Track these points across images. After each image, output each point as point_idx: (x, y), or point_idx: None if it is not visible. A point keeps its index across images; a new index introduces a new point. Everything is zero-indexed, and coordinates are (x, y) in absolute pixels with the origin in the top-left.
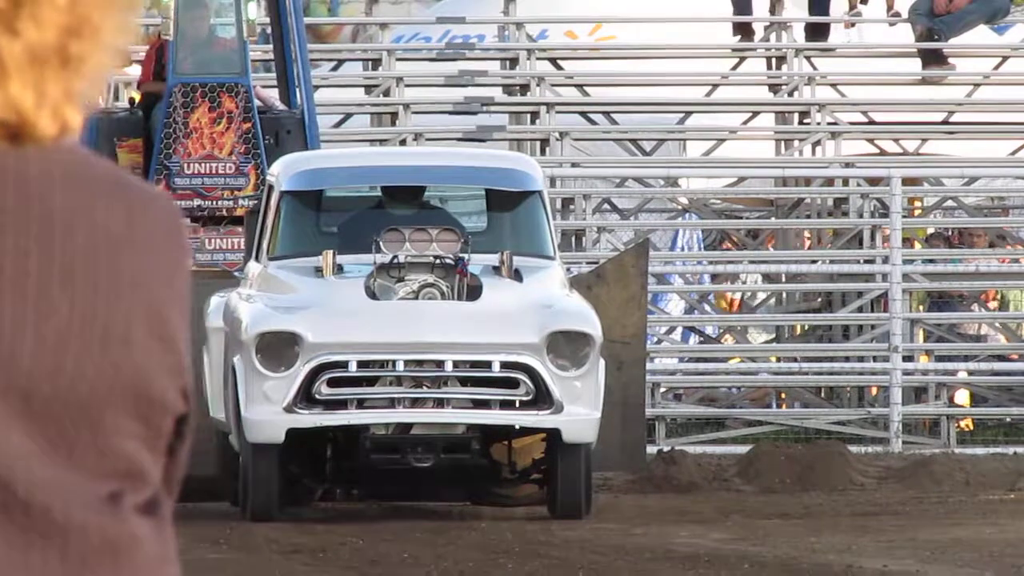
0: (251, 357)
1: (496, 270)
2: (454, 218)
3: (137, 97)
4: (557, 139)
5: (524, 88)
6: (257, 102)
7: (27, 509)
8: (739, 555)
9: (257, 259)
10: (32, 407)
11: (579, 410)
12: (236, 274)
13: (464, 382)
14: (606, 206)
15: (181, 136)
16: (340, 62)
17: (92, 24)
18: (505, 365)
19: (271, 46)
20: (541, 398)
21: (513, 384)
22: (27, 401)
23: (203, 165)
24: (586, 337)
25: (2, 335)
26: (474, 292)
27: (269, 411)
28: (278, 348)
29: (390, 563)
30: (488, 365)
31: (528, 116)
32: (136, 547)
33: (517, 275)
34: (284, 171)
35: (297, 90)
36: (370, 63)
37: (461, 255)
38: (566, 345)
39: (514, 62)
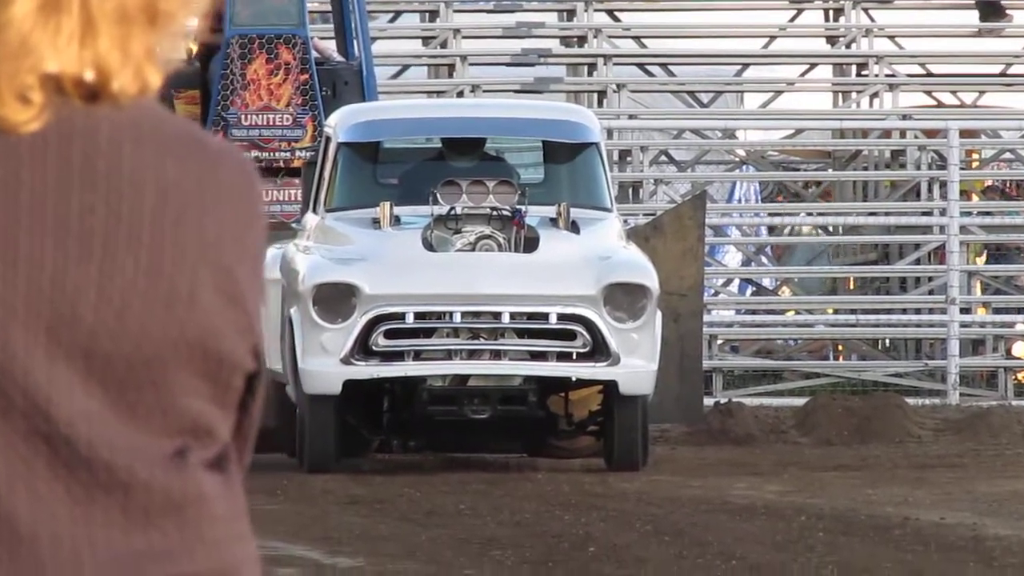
0: (308, 308)
1: (553, 222)
2: (511, 169)
3: (194, 48)
4: (614, 91)
5: (581, 40)
6: (315, 53)
7: (90, 466)
8: (796, 507)
9: (314, 210)
10: (95, 366)
11: (636, 362)
12: (293, 225)
13: (521, 334)
14: (663, 158)
15: (238, 87)
16: (397, 13)
17: None
18: (562, 317)
19: None
20: (598, 350)
21: (570, 336)
22: (89, 360)
23: (260, 116)
24: (643, 289)
25: (65, 293)
26: (531, 244)
27: (326, 362)
28: (335, 299)
29: (447, 513)
30: (545, 317)
31: (585, 68)
32: (202, 503)
33: (574, 227)
34: (341, 122)
35: (355, 41)
36: (427, 14)
37: (518, 207)
38: (623, 297)
39: (571, 13)
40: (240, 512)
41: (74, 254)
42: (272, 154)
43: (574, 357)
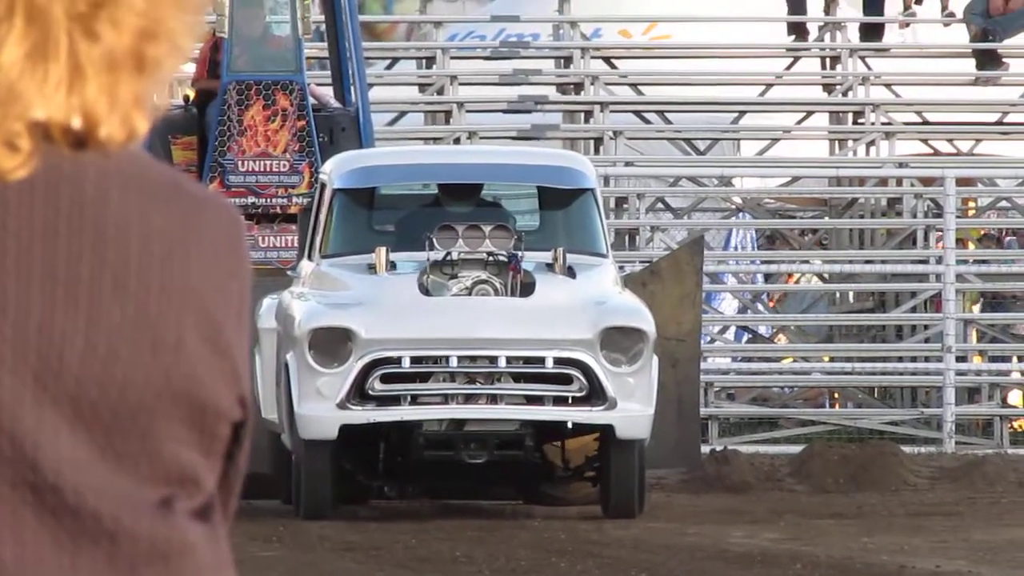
0: (304, 353)
1: (549, 267)
2: (507, 215)
3: (192, 94)
4: (611, 138)
5: (578, 87)
6: (312, 100)
7: (76, 514)
8: (792, 555)
9: (310, 257)
10: (81, 413)
11: (633, 406)
12: (289, 272)
13: (517, 378)
14: (660, 205)
15: (235, 134)
16: (394, 60)
17: (166, 27)
18: (559, 361)
19: (326, 44)
20: (595, 394)
21: (566, 380)
22: (76, 407)
23: (257, 163)
24: (640, 333)
25: (52, 340)
26: (527, 288)
27: (322, 407)
28: (331, 344)
29: (442, 561)
30: (541, 361)
31: (582, 115)
32: (188, 553)
33: (570, 272)
34: (337, 169)
35: (352, 88)
36: (424, 61)
37: (514, 252)
38: (620, 341)
39: (568, 61)
40: (225, 561)
41: (61, 301)
42: (269, 200)
43: (570, 401)
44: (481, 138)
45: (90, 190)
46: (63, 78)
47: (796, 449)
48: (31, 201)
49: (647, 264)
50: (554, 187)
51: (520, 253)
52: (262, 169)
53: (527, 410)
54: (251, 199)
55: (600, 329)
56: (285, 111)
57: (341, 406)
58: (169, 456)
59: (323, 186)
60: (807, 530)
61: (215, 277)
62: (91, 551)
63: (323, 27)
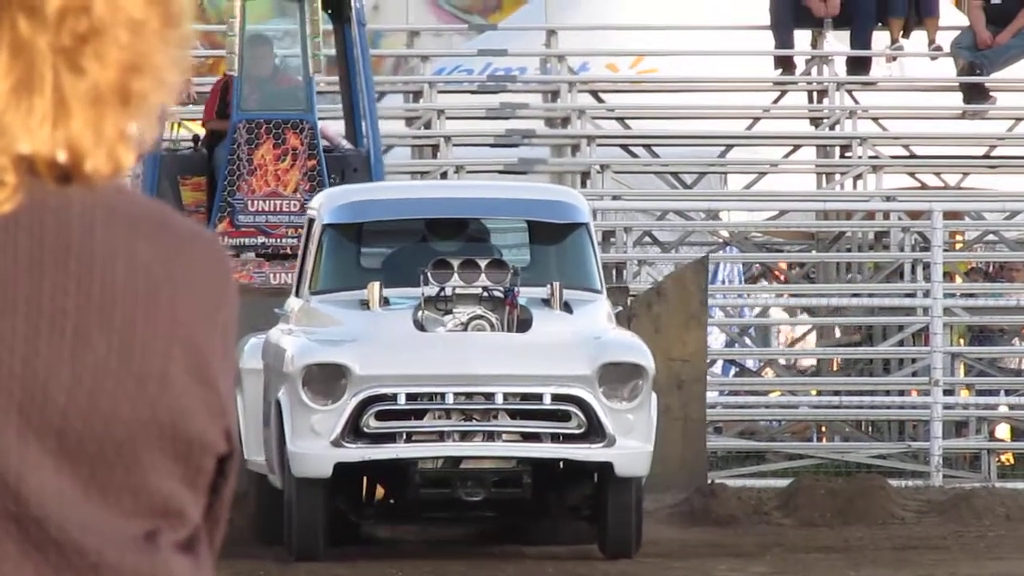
0: (297, 390)
1: (546, 302)
2: (499, 250)
3: (202, 134)
4: (598, 172)
5: (565, 121)
6: (324, 141)
7: (60, 547)
8: None
9: (298, 294)
10: (66, 446)
11: (632, 443)
12: (276, 311)
13: (514, 415)
14: (647, 239)
15: (245, 173)
16: (381, 94)
17: (152, 61)
18: (556, 398)
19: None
20: (593, 431)
21: (564, 417)
22: (61, 440)
23: (267, 202)
24: (638, 369)
25: (37, 374)
26: (524, 324)
27: (316, 445)
28: (325, 380)
29: None
30: (539, 398)
31: (569, 149)
32: None
33: (567, 307)
34: (326, 204)
35: (363, 124)
36: (411, 95)
37: (511, 287)
38: (618, 377)
39: (555, 95)
40: None
41: (46, 334)
42: (279, 240)
43: (569, 438)
44: (468, 172)
45: (75, 224)
46: (48, 112)
47: (783, 483)
48: (16, 235)
49: (634, 297)
50: (548, 222)
51: (516, 288)
52: (272, 209)
53: (525, 447)
54: (261, 239)
55: (599, 365)
56: (296, 150)
57: (335, 444)
58: (154, 489)
59: (311, 221)
60: (794, 564)
61: (201, 310)
62: None
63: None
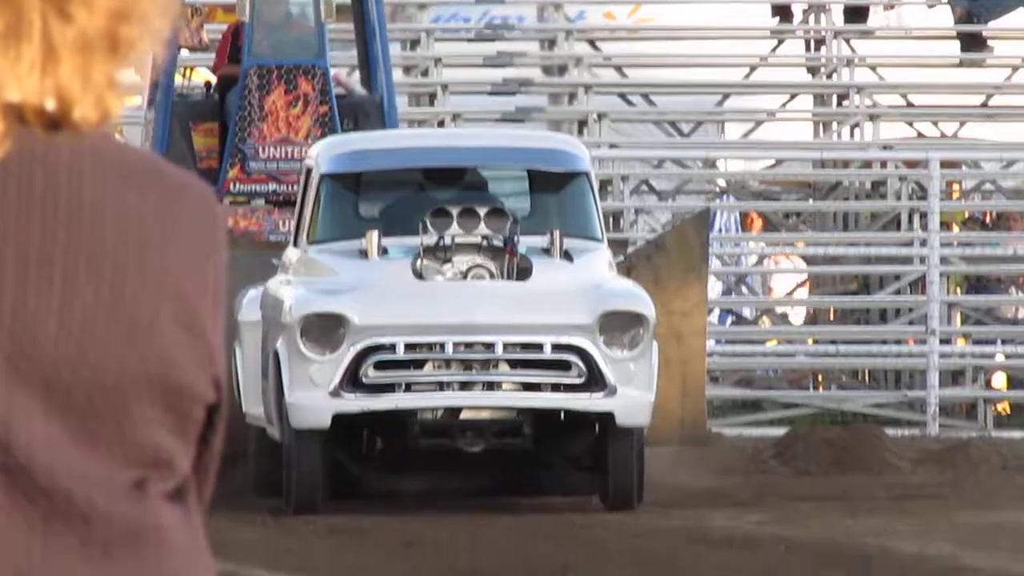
0: (295, 340)
1: (546, 251)
2: (498, 198)
3: (214, 80)
4: (595, 120)
5: (562, 69)
6: (338, 87)
7: (49, 496)
8: (775, 538)
9: (296, 244)
10: (54, 395)
11: (633, 392)
12: (274, 261)
13: (514, 365)
14: (644, 187)
15: (256, 119)
16: None
17: (140, 8)
18: (556, 347)
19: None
20: (594, 381)
21: (565, 367)
22: (49, 389)
23: (278, 149)
24: (639, 317)
25: (25, 323)
26: (524, 273)
27: (314, 396)
28: (324, 331)
29: (425, 544)
30: (539, 347)
31: (566, 97)
32: (161, 534)
33: (567, 256)
34: (324, 153)
35: (377, 73)
36: (409, 43)
37: (510, 235)
38: (619, 326)
39: (552, 43)
40: (200, 543)
41: (34, 283)
42: (290, 187)
43: (569, 388)
44: (465, 120)
45: (64, 172)
46: (37, 59)
47: (780, 432)
48: (4, 183)
49: (634, 249)
50: (548, 170)
51: (516, 237)
52: (283, 155)
53: (525, 397)
54: (272, 186)
55: (599, 314)
56: (307, 96)
57: (334, 394)
58: (143, 439)
59: (309, 171)
60: (790, 513)
61: (191, 260)
62: (64, 532)
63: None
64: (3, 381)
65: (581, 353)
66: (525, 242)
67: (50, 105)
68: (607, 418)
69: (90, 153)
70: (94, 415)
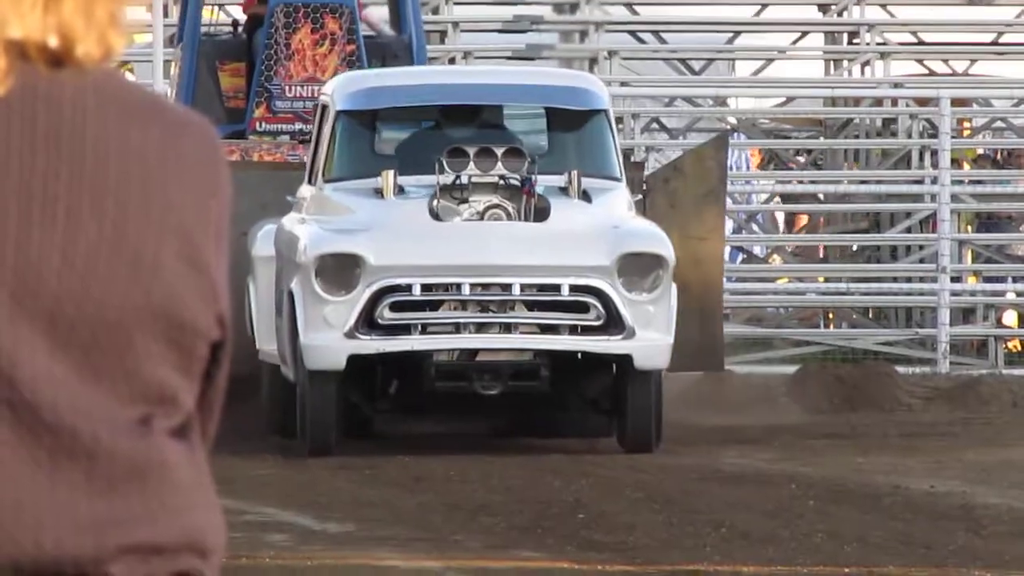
0: (310, 280)
1: (563, 191)
2: (517, 137)
3: (242, 20)
4: (606, 58)
5: (573, 7)
6: (366, 27)
7: (54, 431)
8: (786, 475)
9: (311, 182)
10: (59, 330)
11: (652, 335)
12: (288, 199)
13: (532, 306)
14: (654, 125)
15: (282, 58)
16: None
17: None
18: (575, 288)
19: None
20: (612, 323)
21: (583, 308)
22: (53, 324)
23: (305, 88)
24: (659, 259)
25: (29, 258)
26: (542, 213)
27: (329, 336)
28: (339, 271)
29: (436, 479)
30: (557, 288)
31: (577, 35)
32: (165, 471)
33: (585, 196)
34: (339, 90)
35: (407, 13)
36: None
37: (528, 175)
38: (638, 268)
39: None
40: (204, 480)
41: (38, 219)
42: None
43: (587, 330)
44: (476, 58)
45: (67, 109)
46: None
47: (790, 369)
48: (7, 119)
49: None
50: (566, 108)
51: (534, 177)
52: (310, 95)
53: (542, 339)
54: (299, 125)
55: (618, 255)
56: (334, 35)
57: (349, 335)
58: (148, 375)
59: (324, 108)
60: (801, 450)
61: (194, 197)
62: (69, 468)
63: None
64: (7, 316)
65: (599, 295)
66: (542, 181)
67: (53, 42)
68: (625, 361)
69: (93, 90)
70: (98, 350)
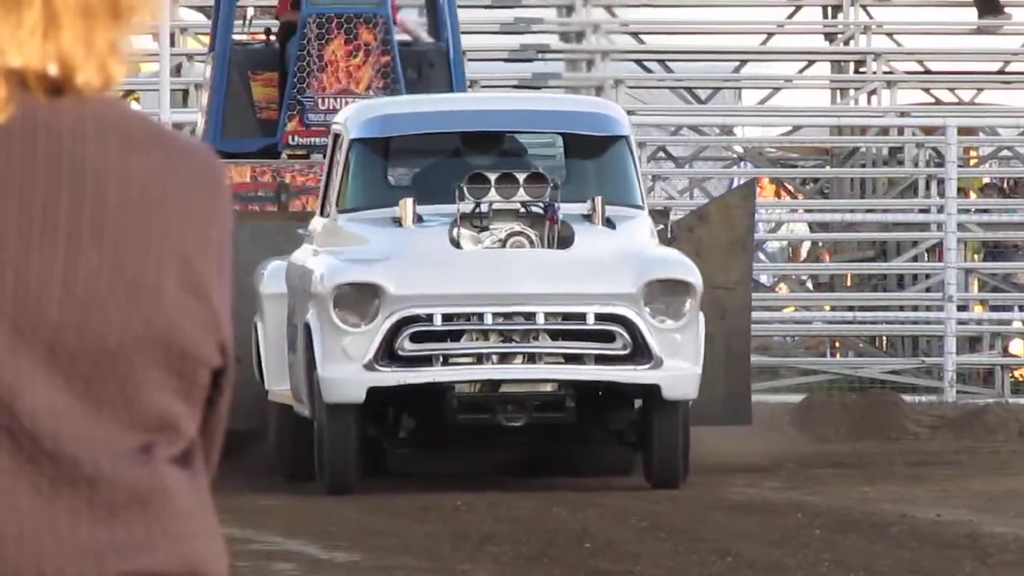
0: (328, 311)
1: (587, 218)
2: (534, 164)
3: (275, 28)
4: (612, 87)
5: (580, 35)
6: (403, 34)
7: (55, 460)
8: (792, 504)
9: (323, 214)
10: (59, 359)
11: (679, 364)
12: (299, 232)
13: (556, 336)
14: (661, 154)
15: (315, 70)
16: (396, 8)
17: None
18: (600, 317)
19: None
20: (639, 352)
21: (609, 337)
22: (54, 353)
23: (338, 100)
24: (686, 286)
25: (29, 286)
26: (565, 240)
27: (348, 369)
28: (357, 301)
29: (443, 509)
30: (582, 317)
31: (584, 64)
32: (167, 498)
33: (609, 223)
34: (353, 118)
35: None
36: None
37: (551, 202)
38: (664, 295)
39: (570, 9)
40: (206, 507)
41: (37, 248)
42: None
43: (613, 360)
44: (482, 87)
45: (67, 137)
46: (38, 25)
47: (797, 398)
48: (8, 147)
49: (675, 220)
50: (587, 134)
51: (557, 203)
52: (343, 107)
53: (567, 369)
54: None
55: (644, 282)
56: (368, 45)
57: (368, 367)
58: (149, 402)
59: (337, 137)
60: (807, 479)
61: (195, 225)
62: (70, 496)
63: None
64: (7, 346)
65: (625, 323)
66: (564, 209)
67: (52, 70)
68: (652, 391)
69: (93, 118)
70: (99, 379)
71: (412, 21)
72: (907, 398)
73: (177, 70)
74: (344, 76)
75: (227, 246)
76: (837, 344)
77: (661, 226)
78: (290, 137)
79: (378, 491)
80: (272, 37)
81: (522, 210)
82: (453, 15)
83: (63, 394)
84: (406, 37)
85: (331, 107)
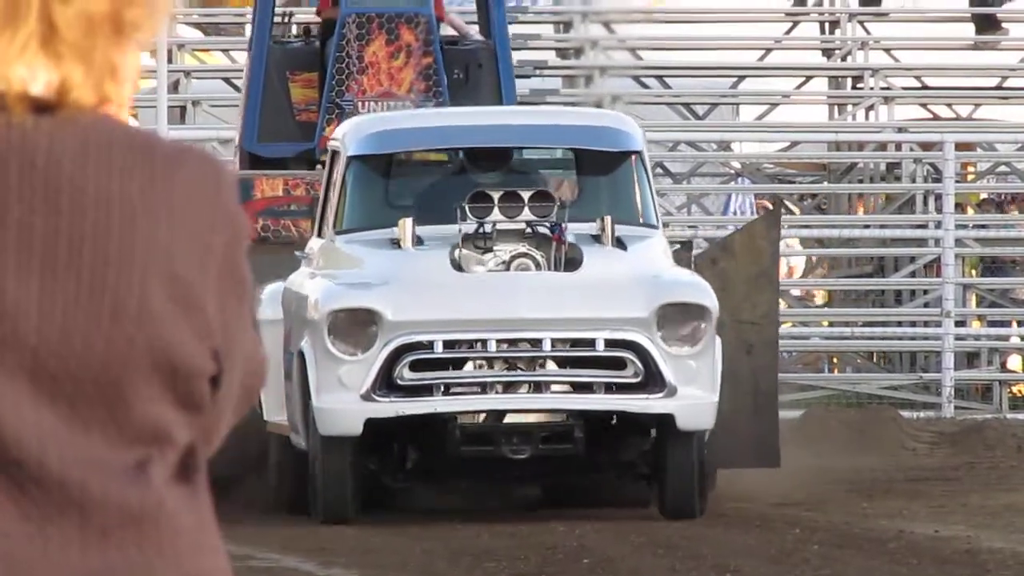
0: (323, 339)
1: (596, 238)
2: (544, 181)
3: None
4: (610, 103)
5: (578, 52)
6: (451, 31)
7: (42, 485)
8: (790, 520)
9: (320, 235)
10: (42, 384)
11: (695, 393)
12: (296, 254)
13: (564, 363)
14: (658, 170)
15: (355, 71)
16: None
17: None
18: (610, 343)
19: None
20: (651, 380)
21: (619, 364)
22: (36, 379)
23: (379, 104)
24: (701, 310)
25: (5, 313)
26: (573, 263)
27: (344, 399)
28: (354, 328)
29: (440, 525)
30: (591, 343)
31: (581, 80)
32: (163, 517)
33: (620, 244)
34: (351, 134)
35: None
36: None
37: (557, 221)
38: (679, 319)
39: (568, 25)
40: (207, 523)
41: (13, 273)
42: None
43: (624, 388)
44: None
45: (42, 158)
46: (31, 40)
47: (795, 414)
48: None
49: (699, 252)
50: (599, 150)
51: (564, 223)
52: (385, 111)
53: (576, 399)
54: None
55: (657, 306)
56: (410, 47)
57: (366, 397)
58: (140, 417)
59: (334, 154)
60: (805, 495)
61: (187, 235)
62: (59, 521)
63: None
64: None
65: (637, 349)
66: (573, 229)
67: (48, 88)
68: (666, 421)
69: (75, 136)
70: (84, 400)
71: (460, 19)
72: (905, 414)
73: (175, 87)
74: (386, 78)
75: (236, 248)
76: (835, 360)
77: (677, 245)
78: (328, 142)
79: (374, 507)
80: (311, 35)
81: (528, 230)
82: (501, 10)
83: (50, 418)
84: (453, 35)
85: (372, 110)
